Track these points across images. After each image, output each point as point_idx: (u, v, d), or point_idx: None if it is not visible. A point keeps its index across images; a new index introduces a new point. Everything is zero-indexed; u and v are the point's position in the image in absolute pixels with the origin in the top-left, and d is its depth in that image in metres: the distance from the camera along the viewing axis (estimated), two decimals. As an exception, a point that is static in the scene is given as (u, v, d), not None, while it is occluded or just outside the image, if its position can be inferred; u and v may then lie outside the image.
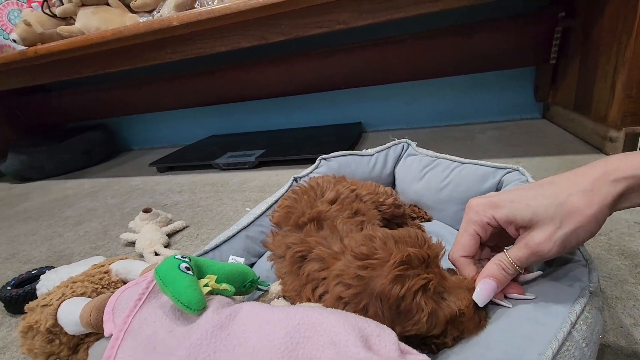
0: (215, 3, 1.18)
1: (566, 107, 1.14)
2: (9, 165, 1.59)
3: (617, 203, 0.28)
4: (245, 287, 0.39)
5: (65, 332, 0.43)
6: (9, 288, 0.61)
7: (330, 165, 0.66)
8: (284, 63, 1.44)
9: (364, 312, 0.29)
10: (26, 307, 0.45)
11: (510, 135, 1.20)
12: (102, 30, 1.19)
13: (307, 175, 0.66)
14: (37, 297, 0.57)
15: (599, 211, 0.27)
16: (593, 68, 0.95)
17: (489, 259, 0.33)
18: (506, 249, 0.32)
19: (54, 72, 1.29)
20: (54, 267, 0.66)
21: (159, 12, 1.24)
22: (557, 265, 0.35)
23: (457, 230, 0.58)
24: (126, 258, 0.56)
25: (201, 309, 0.29)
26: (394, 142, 0.68)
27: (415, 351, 0.24)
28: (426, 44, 1.25)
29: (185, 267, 0.32)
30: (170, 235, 0.82)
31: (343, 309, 0.30)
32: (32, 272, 0.65)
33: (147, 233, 0.76)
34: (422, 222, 0.60)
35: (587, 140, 1.00)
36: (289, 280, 0.41)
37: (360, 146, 1.37)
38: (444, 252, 0.34)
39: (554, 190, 0.30)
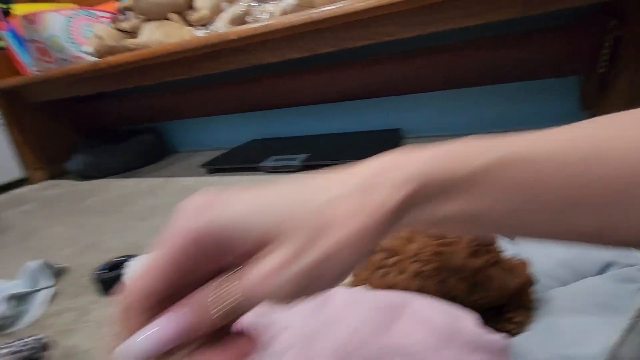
0: (263, 15, 1.27)
1: (615, 115, 1.12)
2: (73, 165, 1.76)
3: (400, 215, 0.17)
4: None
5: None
6: (104, 271, 0.70)
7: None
8: (327, 71, 1.51)
9: (442, 284, 0.34)
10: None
11: (555, 143, 1.20)
12: (165, 42, 1.31)
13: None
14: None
15: (367, 227, 0.17)
16: (646, 77, 0.94)
17: None
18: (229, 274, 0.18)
19: (120, 81, 1.42)
20: (136, 255, 0.75)
21: (212, 25, 1.34)
22: (614, 270, 0.38)
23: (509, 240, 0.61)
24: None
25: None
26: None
27: (492, 331, 0.29)
28: (472, 53, 1.27)
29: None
30: (229, 231, 0.89)
31: (420, 285, 0.34)
32: (120, 259, 0.75)
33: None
34: None
35: (638, 150, 0.98)
36: (358, 272, 0.46)
37: (400, 152, 1.41)
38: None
39: (316, 190, 0.19)
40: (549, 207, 0.18)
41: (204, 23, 1.38)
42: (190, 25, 1.39)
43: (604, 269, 0.39)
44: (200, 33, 1.35)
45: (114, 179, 1.71)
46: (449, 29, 0.94)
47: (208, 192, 0.21)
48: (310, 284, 0.17)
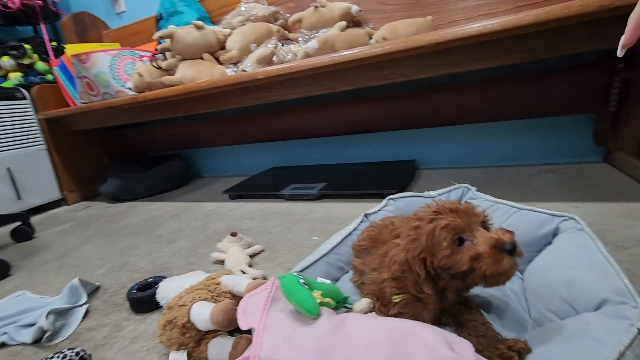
0: (288, 56, 1.38)
1: (628, 153, 1.14)
2: (107, 188, 1.88)
3: None
4: (339, 303, 0.49)
5: (195, 328, 0.56)
6: (134, 291, 0.77)
7: (397, 204, 0.76)
8: (342, 106, 1.60)
9: (416, 250, 0.44)
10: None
11: (569, 178, 1.22)
12: (197, 79, 1.43)
13: (376, 212, 0.76)
14: (155, 301, 0.72)
15: None
16: (655, 118, 0.97)
17: None
18: None
19: (155, 112, 1.55)
20: (166, 277, 0.81)
21: (241, 64, 1.46)
22: (609, 307, 0.41)
23: (518, 271, 0.64)
24: (231, 273, 0.69)
25: (318, 314, 0.40)
26: (454, 186, 0.77)
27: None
28: (484, 91, 1.33)
29: (303, 283, 0.43)
30: (250, 257, 0.95)
31: (407, 255, 0.44)
32: (149, 280, 0.81)
33: (234, 254, 0.90)
34: None
35: (652, 188, 0.99)
36: (379, 278, 0.52)
37: (416, 182, 1.45)
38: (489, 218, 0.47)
39: None
40: None
41: (234, 62, 1.51)
42: (221, 64, 1.52)
43: (599, 305, 0.42)
44: (229, 71, 1.47)
45: (143, 202, 1.82)
46: (459, 72, 1.00)
47: None
48: None
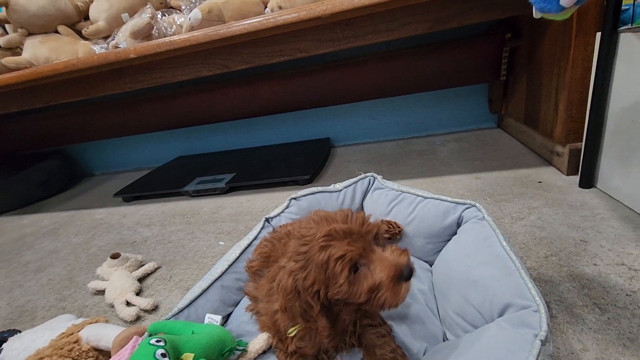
0: (173, 29, 1.16)
1: (517, 119, 1.22)
2: (-46, 204, 1.48)
3: None
4: (224, 356, 0.39)
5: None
6: (-33, 361, 0.57)
7: (300, 204, 0.67)
8: (248, 86, 1.44)
9: (308, 279, 0.36)
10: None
11: (470, 147, 1.27)
12: (53, 60, 1.14)
13: (277, 215, 0.67)
14: (0, 368, 0.54)
15: None
16: (538, 86, 1.03)
17: None
18: None
19: (1, 105, 1.21)
20: (17, 331, 0.63)
21: (113, 39, 1.20)
22: (512, 312, 0.39)
23: (426, 262, 0.61)
24: (96, 320, 0.54)
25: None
26: (360, 176, 0.71)
27: None
28: (386, 65, 1.29)
29: (162, 354, 0.32)
30: (141, 279, 0.80)
31: (295, 281, 0.36)
32: (-7, 339, 0.62)
33: (116, 281, 0.74)
34: (392, 238, 0.62)
35: (538, 153, 1.07)
36: (271, 308, 0.43)
37: (331, 162, 1.40)
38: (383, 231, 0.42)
39: None
40: None
41: (103, 37, 1.23)
42: (86, 39, 1.23)
43: (503, 310, 0.40)
44: (98, 49, 1.20)
45: (10, 217, 1.47)
46: (359, 45, 0.93)
47: None
48: None
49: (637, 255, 0.60)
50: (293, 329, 0.41)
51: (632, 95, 0.70)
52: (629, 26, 0.72)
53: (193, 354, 0.35)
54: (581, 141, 0.85)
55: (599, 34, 0.75)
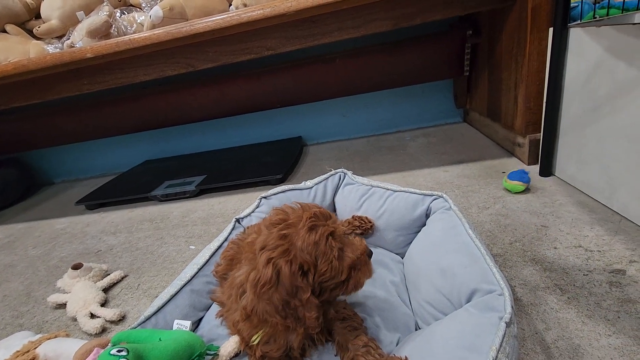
0: (133, 28, 1.12)
1: (481, 113, 1.26)
2: None
3: None
4: (194, 361, 0.38)
5: None
6: None
7: (271, 203, 0.67)
8: (215, 85, 1.41)
9: (294, 263, 0.36)
10: None
11: (437, 141, 1.30)
12: (1, 61, 1.06)
13: (248, 215, 0.66)
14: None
15: None
16: (498, 81, 1.07)
17: None
18: None
19: (-57, 111, 1.12)
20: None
21: (69, 38, 1.13)
22: (478, 297, 0.40)
23: (397, 255, 0.62)
24: (55, 335, 0.51)
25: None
26: (331, 172, 0.71)
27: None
28: (354, 62, 1.30)
29: (124, 364, 0.31)
30: (107, 289, 0.76)
31: (275, 268, 0.36)
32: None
33: (79, 292, 0.70)
34: (364, 233, 0.63)
35: (501, 145, 1.12)
36: (236, 315, 0.42)
37: (303, 160, 1.39)
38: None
39: None
40: None
41: (56, 36, 1.16)
42: (38, 39, 1.16)
43: (470, 295, 0.41)
44: (52, 49, 1.13)
45: (-42, 232, 1.36)
46: (326, 42, 0.93)
47: None
48: None
49: (592, 237, 0.63)
50: (256, 335, 0.40)
51: (583, 86, 0.74)
52: (578, 22, 0.76)
53: (159, 362, 0.33)
54: (540, 132, 0.89)
55: (551, 30, 0.79)
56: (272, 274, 0.35)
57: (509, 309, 0.36)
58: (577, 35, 0.75)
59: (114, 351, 0.32)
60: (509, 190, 0.83)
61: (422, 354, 0.37)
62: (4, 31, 1.15)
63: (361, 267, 0.40)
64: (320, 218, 0.39)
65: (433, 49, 1.26)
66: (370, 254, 0.41)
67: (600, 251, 0.59)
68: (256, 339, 0.38)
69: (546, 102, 0.84)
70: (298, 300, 0.36)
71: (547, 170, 0.88)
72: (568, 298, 0.51)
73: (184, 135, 1.71)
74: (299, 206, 0.41)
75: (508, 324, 0.35)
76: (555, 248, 0.62)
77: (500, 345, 0.33)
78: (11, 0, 1.10)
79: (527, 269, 0.58)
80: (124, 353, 0.32)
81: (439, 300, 0.45)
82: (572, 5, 0.77)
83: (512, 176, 0.82)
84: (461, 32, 1.19)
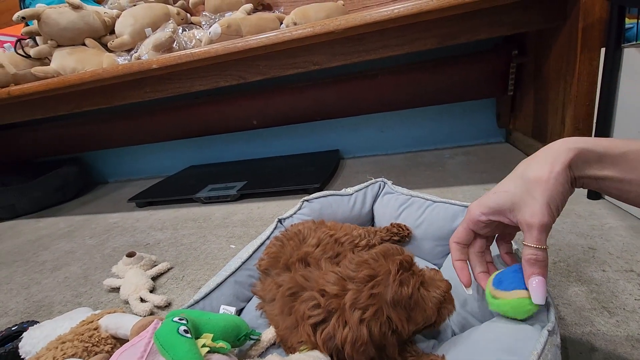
0: (193, 43, 1.22)
1: (525, 133, 1.24)
2: (-25, 206, 1.53)
3: (572, 168, 0.32)
4: (240, 341, 0.41)
5: (58, 397, 0.43)
6: (-11, 347, 0.59)
7: (313, 206, 0.70)
8: (261, 97, 1.49)
9: (388, 322, 0.36)
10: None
11: (478, 160, 1.28)
12: (79, 70, 1.20)
13: (290, 216, 0.69)
14: (19, 357, 0.56)
15: (557, 173, 0.32)
16: (545, 101, 1.05)
17: (482, 251, 0.40)
18: (523, 243, 0.34)
19: (28, 111, 1.28)
20: (36, 322, 0.65)
21: (136, 51, 1.26)
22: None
23: (435, 265, 0.63)
24: (114, 311, 0.56)
25: (202, 372, 0.32)
26: (371, 181, 0.73)
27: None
28: (395, 78, 1.33)
29: (184, 330, 0.34)
30: (155, 278, 0.82)
31: (368, 328, 0.35)
32: (12, 329, 0.64)
33: (131, 278, 0.76)
34: (401, 241, 0.64)
35: (546, 166, 1.08)
36: (280, 320, 0.44)
37: (340, 173, 1.42)
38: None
39: (522, 168, 0.34)
40: None
41: (127, 49, 1.29)
42: (110, 51, 1.30)
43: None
44: (121, 60, 1.26)
45: (27, 220, 1.51)
46: (370, 59, 0.97)
47: (483, 195, 0.38)
48: (554, 207, 0.32)
49: (646, 263, 0.60)
50: (304, 347, 0.40)
51: (637, 108, 0.72)
52: (633, 42, 0.74)
53: (212, 334, 0.37)
54: (588, 153, 0.86)
55: (603, 50, 0.77)
56: (367, 336, 0.36)
57: (552, 319, 0.36)
58: (631, 56, 0.73)
59: (175, 319, 0.36)
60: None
61: (459, 355, 0.37)
62: (83, 44, 1.30)
63: (449, 305, 0.40)
64: (406, 267, 0.38)
65: (476, 67, 1.26)
66: (451, 286, 0.41)
67: (654, 277, 0.56)
68: (305, 349, 0.39)
69: (596, 124, 0.81)
70: (386, 355, 0.38)
71: (596, 193, 0.85)
72: (617, 321, 0.49)
73: (227, 143, 1.80)
74: (384, 254, 0.40)
75: (550, 333, 0.35)
76: (603, 271, 0.60)
77: (542, 352, 0.33)
78: (92, 18, 1.25)
79: (572, 289, 0.57)
80: (184, 321, 0.36)
81: (477, 306, 0.45)
82: (627, 26, 0.76)
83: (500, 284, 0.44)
84: (506, 51, 1.19)
